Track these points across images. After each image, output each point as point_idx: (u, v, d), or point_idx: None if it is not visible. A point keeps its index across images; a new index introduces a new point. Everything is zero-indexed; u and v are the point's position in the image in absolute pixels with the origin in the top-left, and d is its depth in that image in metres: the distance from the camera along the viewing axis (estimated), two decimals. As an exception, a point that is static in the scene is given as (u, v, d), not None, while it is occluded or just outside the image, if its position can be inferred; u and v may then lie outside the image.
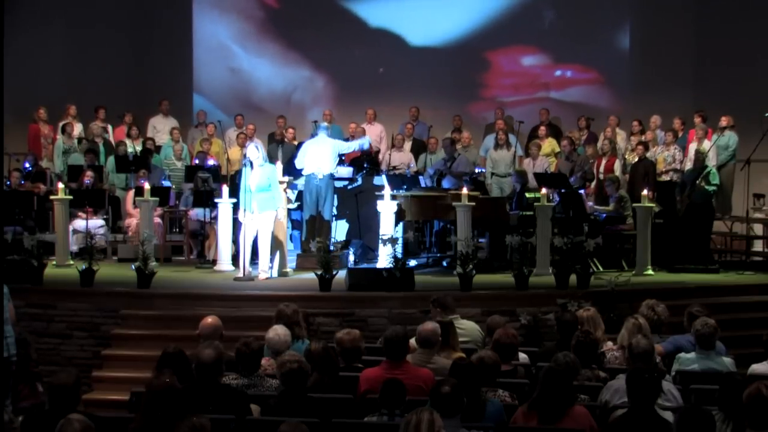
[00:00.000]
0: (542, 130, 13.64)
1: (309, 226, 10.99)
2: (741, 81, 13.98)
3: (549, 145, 13.43)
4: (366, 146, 12.18)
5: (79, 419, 4.17)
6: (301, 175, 11.30)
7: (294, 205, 11.44)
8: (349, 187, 11.92)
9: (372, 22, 15.70)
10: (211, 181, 11.54)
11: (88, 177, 11.96)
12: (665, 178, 12.34)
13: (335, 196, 11.32)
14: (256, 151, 9.93)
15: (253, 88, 15.96)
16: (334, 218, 11.30)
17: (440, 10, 15.29)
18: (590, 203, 11.71)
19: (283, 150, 13.08)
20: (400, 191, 10.90)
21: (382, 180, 11.42)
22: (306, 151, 11.18)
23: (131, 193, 11.94)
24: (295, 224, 12.00)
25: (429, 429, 4.11)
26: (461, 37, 15.44)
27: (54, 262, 10.36)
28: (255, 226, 9.80)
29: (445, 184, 11.75)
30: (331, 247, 9.44)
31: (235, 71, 15.97)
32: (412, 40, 15.55)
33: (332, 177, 11.18)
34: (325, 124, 11.86)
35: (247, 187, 9.78)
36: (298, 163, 11.22)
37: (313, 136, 12.63)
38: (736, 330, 8.40)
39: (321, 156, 11.02)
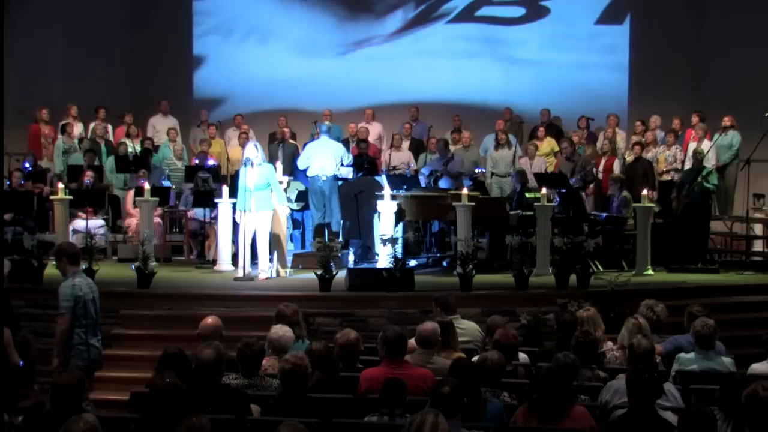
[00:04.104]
0: (541, 130, 13.64)
1: (317, 229, 11.01)
2: (741, 81, 13.98)
3: (548, 144, 13.44)
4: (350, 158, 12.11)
5: (86, 419, 4.16)
6: (304, 175, 11.35)
7: (294, 205, 11.46)
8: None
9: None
10: (211, 181, 11.55)
11: (88, 177, 11.96)
12: (666, 178, 12.37)
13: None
14: (255, 150, 9.93)
15: (253, 87, 15.95)
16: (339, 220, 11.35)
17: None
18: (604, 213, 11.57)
19: (284, 150, 13.10)
20: (400, 191, 10.91)
21: (381, 180, 11.44)
22: (309, 153, 11.26)
23: (131, 193, 11.94)
24: (296, 224, 12.01)
25: (432, 430, 4.09)
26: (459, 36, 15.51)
27: (54, 263, 10.33)
28: (253, 225, 9.80)
29: (442, 184, 11.74)
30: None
31: (234, 70, 15.96)
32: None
33: (336, 178, 11.24)
34: (327, 125, 11.85)
35: (246, 186, 9.79)
36: (301, 163, 11.27)
37: (312, 135, 12.68)
38: (736, 330, 8.40)
39: (324, 158, 11.10)
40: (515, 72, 15.28)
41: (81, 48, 15.27)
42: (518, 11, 15.46)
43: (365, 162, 12.55)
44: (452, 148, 13.14)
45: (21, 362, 5.96)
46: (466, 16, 15.55)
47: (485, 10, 15.52)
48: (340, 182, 11.56)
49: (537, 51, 15.32)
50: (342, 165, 11.51)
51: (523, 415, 4.95)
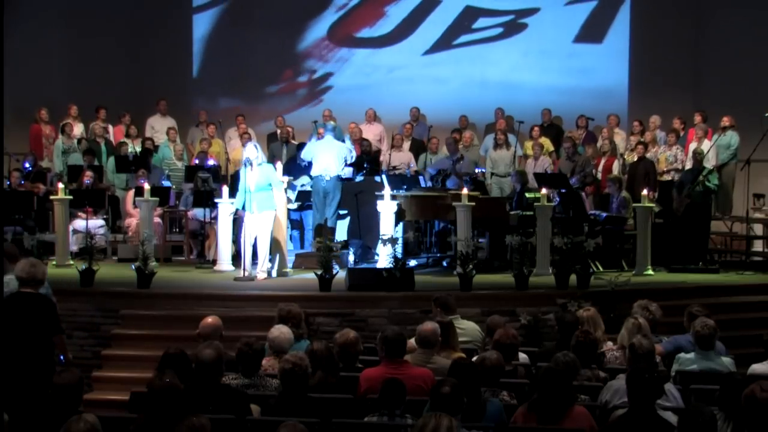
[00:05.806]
0: (535, 130, 13.61)
1: (317, 229, 11.02)
2: (741, 81, 13.98)
3: (543, 144, 13.42)
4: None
5: (87, 419, 4.17)
6: (305, 172, 11.36)
7: (294, 205, 11.45)
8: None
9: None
10: (211, 181, 11.55)
11: (88, 177, 11.97)
12: (667, 177, 12.38)
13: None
14: (255, 150, 9.92)
15: (252, 87, 15.96)
16: (335, 219, 11.34)
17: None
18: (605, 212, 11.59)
19: (288, 149, 13.11)
20: (400, 191, 10.91)
21: (381, 180, 11.44)
22: (314, 152, 11.26)
23: (131, 193, 11.94)
24: (295, 224, 12.01)
25: None
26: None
27: (54, 262, 10.36)
28: (255, 225, 9.79)
29: (449, 184, 11.75)
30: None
31: (234, 70, 15.95)
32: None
33: (339, 178, 11.25)
34: (332, 124, 11.86)
35: (247, 187, 9.78)
36: (305, 155, 11.31)
37: (312, 135, 12.68)
38: (736, 330, 8.41)
39: (328, 158, 11.10)
40: (514, 76, 15.27)
41: (81, 48, 15.27)
42: (510, 17, 15.49)
43: (365, 162, 12.55)
44: (453, 148, 13.18)
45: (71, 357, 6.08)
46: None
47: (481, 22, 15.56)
48: (342, 182, 11.55)
49: (536, 54, 15.31)
50: (346, 164, 11.51)
51: (523, 415, 4.96)
